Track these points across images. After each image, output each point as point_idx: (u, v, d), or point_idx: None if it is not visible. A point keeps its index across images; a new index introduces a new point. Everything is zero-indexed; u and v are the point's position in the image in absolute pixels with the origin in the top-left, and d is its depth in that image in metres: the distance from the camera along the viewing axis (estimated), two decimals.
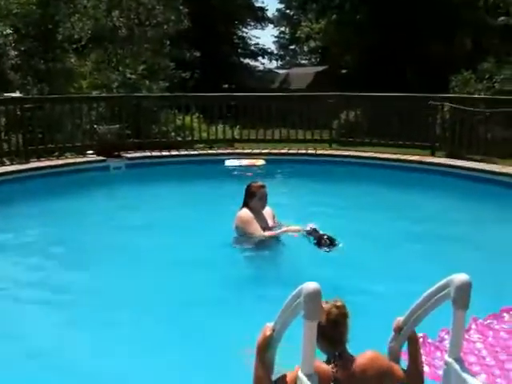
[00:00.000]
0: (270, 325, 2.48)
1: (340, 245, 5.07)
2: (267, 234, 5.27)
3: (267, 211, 5.46)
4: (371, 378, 2.47)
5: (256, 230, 5.23)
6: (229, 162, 9.67)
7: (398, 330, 2.62)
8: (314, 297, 2.20)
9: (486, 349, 3.52)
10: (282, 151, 10.49)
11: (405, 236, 5.91)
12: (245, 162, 9.70)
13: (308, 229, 5.21)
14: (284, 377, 2.46)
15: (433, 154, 9.82)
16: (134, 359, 3.47)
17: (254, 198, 5.32)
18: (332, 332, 2.45)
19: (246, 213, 5.30)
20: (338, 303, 2.48)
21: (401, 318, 2.62)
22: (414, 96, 10.70)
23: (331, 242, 5.05)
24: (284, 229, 5.34)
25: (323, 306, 2.35)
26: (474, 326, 3.78)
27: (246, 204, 5.36)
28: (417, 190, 8.03)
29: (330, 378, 2.41)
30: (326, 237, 5.05)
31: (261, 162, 9.69)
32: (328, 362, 2.49)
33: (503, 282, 4.56)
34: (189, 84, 16.39)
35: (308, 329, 2.23)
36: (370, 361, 2.49)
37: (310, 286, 2.22)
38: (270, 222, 5.41)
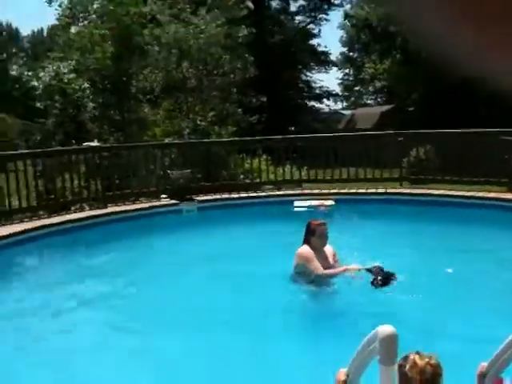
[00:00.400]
0: (343, 370, 2.43)
1: (395, 282, 4.99)
2: (327, 272, 5.27)
3: (328, 249, 5.46)
4: None
5: (316, 267, 5.24)
6: (297, 203, 9.68)
7: (483, 375, 2.50)
8: (390, 341, 2.15)
9: None
10: (351, 191, 10.41)
11: (485, 276, 5.67)
12: (314, 202, 9.67)
13: (369, 267, 5.16)
14: None
15: (510, 190, 9.43)
16: None
17: (314, 236, 5.37)
18: None
19: (306, 250, 5.33)
20: (433, 361, 2.30)
21: (485, 364, 2.50)
22: (487, 131, 10.40)
23: (384, 283, 5.00)
24: (344, 267, 5.32)
25: (417, 360, 2.26)
26: None
27: (306, 241, 5.40)
28: (494, 228, 7.72)
29: None
30: (379, 277, 5.02)
31: (330, 202, 9.62)
32: None
33: None
34: (256, 128, 16.77)
35: (384, 374, 2.18)
36: None
37: (386, 329, 2.17)
38: (331, 261, 5.40)
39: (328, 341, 4.31)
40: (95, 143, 11.07)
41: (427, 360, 2.28)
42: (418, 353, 2.31)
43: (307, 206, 9.49)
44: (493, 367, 2.46)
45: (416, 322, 4.33)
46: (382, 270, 5.08)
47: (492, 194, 9.21)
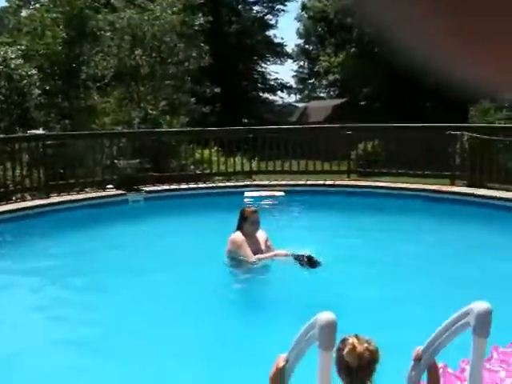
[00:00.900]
0: (282, 356, 2.43)
1: (320, 265, 5.26)
2: (257, 257, 5.47)
3: (261, 235, 5.66)
4: None
5: (247, 253, 5.46)
6: (248, 194, 9.70)
7: (418, 359, 2.56)
8: (329, 327, 2.18)
9: (509, 377, 3.44)
10: (300, 182, 10.49)
11: (423, 264, 5.82)
12: (264, 193, 9.72)
13: (298, 253, 5.40)
14: None
15: (452, 183, 9.73)
16: None
17: (246, 222, 5.57)
18: (359, 374, 2.33)
19: (238, 236, 5.55)
20: (371, 347, 2.33)
21: (420, 348, 2.56)
22: (432, 126, 10.68)
23: (310, 261, 5.28)
24: (273, 253, 5.56)
25: (356, 345, 2.29)
26: (495, 355, 3.68)
27: (239, 228, 5.61)
28: (436, 219, 7.94)
29: None
30: (305, 256, 5.31)
31: (280, 193, 9.70)
32: None
33: None
34: (209, 119, 16.67)
35: (323, 359, 2.21)
36: None
37: (325, 316, 2.20)
38: (263, 246, 5.60)
39: (262, 327, 4.42)
40: (40, 131, 10.76)
41: (366, 346, 2.30)
42: (356, 336, 2.34)
43: (258, 197, 9.52)
44: (428, 351, 2.52)
45: (350, 308, 4.39)
46: (309, 257, 5.33)
47: (434, 187, 9.47)
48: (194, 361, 3.86)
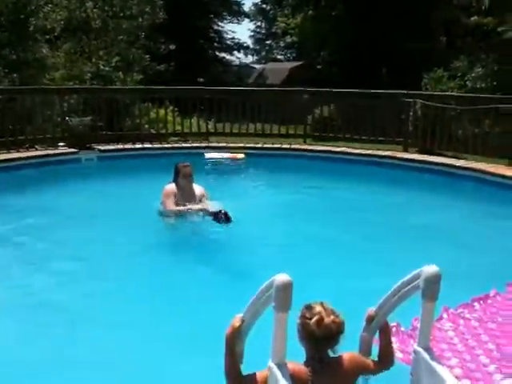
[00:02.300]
0: (239, 316, 2.47)
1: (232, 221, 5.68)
2: (173, 208, 5.94)
3: (197, 190, 6.11)
4: (347, 380, 2.48)
5: (167, 203, 5.98)
6: (209, 155, 9.60)
7: (370, 320, 2.65)
8: (285, 288, 2.20)
9: (457, 336, 3.61)
10: (258, 145, 10.48)
11: (371, 230, 5.96)
12: (226, 155, 9.66)
13: (214, 210, 5.79)
14: (254, 375, 2.46)
15: (405, 150, 9.95)
16: None
17: (179, 176, 6.04)
18: (322, 344, 2.39)
19: (168, 187, 6.06)
20: (338, 320, 2.37)
21: (372, 309, 2.64)
22: (387, 93, 10.81)
23: (225, 216, 5.69)
24: (188, 206, 5.94)
25: (323, 315, 2.33)
26: (445, 316, 3.86)
27: (174, 181, 6.08)
28: (387, 185, 8.13)
29: (306, 381, 2.38)
30: (223, 211, 5.71)
31: (241, 155, 9.68)
32: (306, 364, 2.43)
33: (473, 272, 4.65)
34: (164, 77, 16.29)
35: (278, 320, 2.24)
36: (348, 364, 2.47)
37: (281, 278, 2.22)
38: (196, 200, 6.02)
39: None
40: None
41: (333, 318, 2.34)
42: (322, 305, 2.38)
43: (219, 159, 9.48)
44: (380, 312, 2.60)
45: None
46: (225, 213, 5.71)
47: (387, 153, 9.67)
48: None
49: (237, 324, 2.43)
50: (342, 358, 2.46)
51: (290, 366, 2.34)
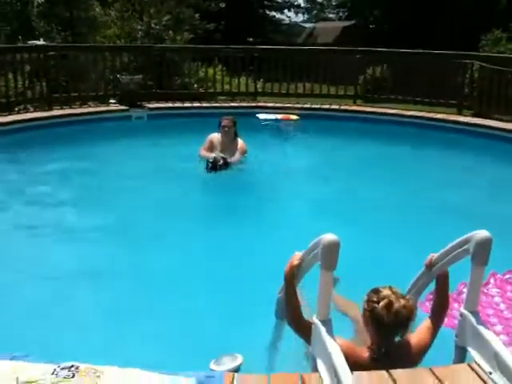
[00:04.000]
0: (298, 254, 2.48)
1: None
2: (201, 153, 6.60)
3: (236, 143, 6.62)
4: (413, 364, 2.38)
5: (201, 149, 6.68)
6: (262, 116, 9.53)
7: (431, 266, 2.59)
8: (331, 248, 2.21)
9: (503, 302, 3.57)
10: (314, 106, 10.24)
11: (423, 195, 5.86)
12: (279, 116, 9.58)
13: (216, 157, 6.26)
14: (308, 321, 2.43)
15: (459, 113, 9.62)
16: None
17: (219, 127, 6.67)
18: (391, 331, 2.28)
19: (210, 135, 6.72)
20: (408, 304, 2.25)
21: (434, 254, 2.58)
22: (442, 53, 10.39)
23: (212, 167, 6.16)
24: (212, 154, 6.43)
25: (392, 300, 2.22)
26: (492, 281, 3.81)
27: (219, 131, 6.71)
28: (440, 148, 7.93)
29: (364, 366, 2.26)
30: (222, 162, 6.20)
31: (295, 116, 9.58)
32: (369, 349, 2.34)
33: None
34: (214, 36, 16.19)
35: (324, 278, 2.26)
36: (414, 348, 2.36)
37: (328, 237, 2.23)
38: (232, 150, 6.52)
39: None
40: (41, 42, 10.46)
41: (403, 302, 2.23)
42: (391, 289, 2.28)
43: (273, 119, 9.42)
44: (442, 260, 2.55)
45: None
46: (218, 160, 6.20)
47: (441, 115, 9.37)
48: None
49: (295, 262, 2.45)
50: (407, 342, 2.35)
51: (346, 344, 2.28)
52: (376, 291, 2.29)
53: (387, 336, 2.28)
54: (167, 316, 3.38)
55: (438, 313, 2.55)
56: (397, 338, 2.32)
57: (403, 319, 2.23)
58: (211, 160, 6.17)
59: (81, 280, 3.82)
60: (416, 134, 8.78)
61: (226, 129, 6.60)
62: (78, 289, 3.70)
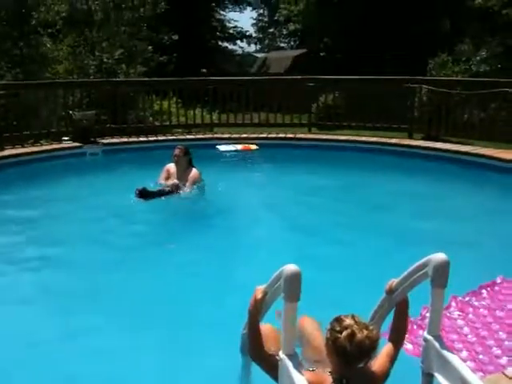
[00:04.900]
0: (261, 287, 2.46)
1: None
2: (159, 182, 6.83)
3: (191, 172, 6.79)
4: None
5: (160, 177, 6.90)
6: (222, 148, 9.62)
7: (391, 291, 2.60)
8: (294, 279, 2.20)
9: (467, 326, 3.59)
10: (270, 136, 10.38)
11: (380, 218, 5.96)
12: (239, 146, 9.69)
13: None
14: (273, 355, 2.42)
15: (410, 137, 9.88)
16: None
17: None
18: (354, 361, 2.23)
19: (167, 165, 6.92)
20: (372, 334, 2.22)
21: (394, 280, 2.59)
22: (391, 79, 10.74)
23: (141, 195, 6.35)
24: (164, 182, 6.79)
25: (355, 331, 2.19)
26: (453, 304, 3.84)
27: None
28: (393, 173, 8.11)
29: None
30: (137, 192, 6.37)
31: (254, 146, 9.72)
32: (332, 378, 2.30)
33: (480, 260, 4.63)
34: (167, 68, 16.20)
35: (288, 310, 2.24)
36: (376, 373, 2.35)
37: (289, 268, 2.22)
38: (181, 177, 6.71)
39: None
40: None
41: (366, 333, 2.20)
42: (353, 318, 2.25)
43: (233, 150, 9.49)
44: (402, 285, 2.56)
45: None
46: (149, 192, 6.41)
47: (393, 140, 9.61)
48: None
49: (259, 296, 2.43)
50: (368, 370, 2.32)
51: (312, 377, 2.26)
52: (338, 320, 2.26)
53: (349, 365, 2.24)
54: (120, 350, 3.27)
55: (398, 337, 2.56)
56: (359, 366, 2.29)
57: (366, 349, 2.21)
58: (140, 188, 6.37)
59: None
60: (370, 158, 8.96)
61: (176, 158, 6.80)
62: None
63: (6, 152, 8.69)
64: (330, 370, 2.32)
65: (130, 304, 3.97)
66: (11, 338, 3.48)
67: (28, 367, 3.15)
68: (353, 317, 2.25)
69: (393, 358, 2.47)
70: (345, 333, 2.19)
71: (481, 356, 3.22)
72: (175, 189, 6.59)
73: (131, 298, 4.08)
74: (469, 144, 9.05)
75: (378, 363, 2.40)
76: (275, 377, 2.36)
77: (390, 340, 2.55)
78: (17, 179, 7.52)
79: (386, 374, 2.40)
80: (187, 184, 6.71)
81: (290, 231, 5.82)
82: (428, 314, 2.51)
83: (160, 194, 6.49)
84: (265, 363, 2.43)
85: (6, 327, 3.60)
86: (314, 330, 2.96)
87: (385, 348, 2.52)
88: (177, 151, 6.81)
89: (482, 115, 9.48)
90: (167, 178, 6.82)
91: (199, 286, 4.24)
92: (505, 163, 7.95)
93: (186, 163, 6.83)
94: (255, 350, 2.45)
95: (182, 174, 6.77)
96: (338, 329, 2.22)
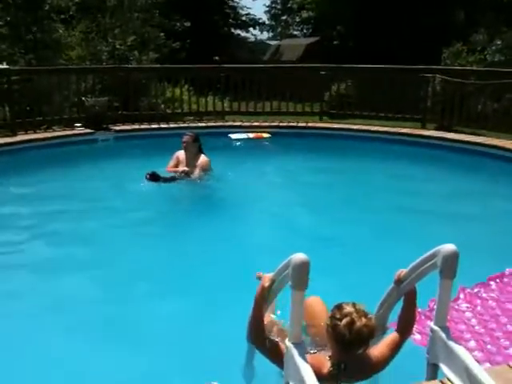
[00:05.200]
0: (269, 275, 2.48)
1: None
2: (167, 169, 6.87)
3: (200, 158, 6.81)
4: (375, 373, 2.44)
5: (169, 165, 6.92)
6: (234, 136, 9.62)
7: (400, 281, 2.62)
8: (302, 268, 2.22)
9: (475, 317, 3.58)
10: (281, 124, 10.33)
11: (392, 208, 5.95)
12: (251, 135, 9.68)
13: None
14: (277, 342, 2.48)
15: (423, 127, 9.81)
16: None
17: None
18: (352, 348, 2.31)
19: (177, 152, 6.94)
20: (370, 323, 2.28)
21: (403, 270, 2.61)
22: (404, 68, 10.62)
23: (151, 178, 6.52)
24: (173, 169, 6.89)
25: (354, 318, 2.25)
26: (462, 296, 3.83)
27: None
28: (406, 163, 8.07)
29: (327, 377, 2.33)
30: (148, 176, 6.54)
31: (267, 135, 9.69)
32: (331, 361, 2.37)
33: (490, 251, 4.62)
34: (179, 55, 16.18)
35: (295, 298, 2.26)
36: (376, 359, 2.41)
37: (298, 257, 2.23)
38: (190, 163, 6.78)
39: None
40: (4, 66, 10.30)
41: (365, 321, 2.26)
42: (354, 306, 2.30)
43: (245, 139, 9.48)
44: (410, 275, 2.57)
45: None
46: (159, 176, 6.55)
47: (405, 130, 9.55)
48: None
49: (266, 284, 2.45)
50: (367, 355, 2.38)
51: (314, 360, 2.30)
52: (339, 307, 2.32)
53: (348, 352, 2.31)
54: (138, 343, 3.32)
55: (405, 327, 2.60)
56: (358, 352, 2.35)
57: (364, 338, 2.27)
58: (150, 172, 6.51)
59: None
60: (382, 148, 8.92)
61: (185, 145, 6.85)
62: None
63: (19, 137, 8.75)
64: (329, 354, 2.39)
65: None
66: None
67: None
68: (353, 304, 2.32)
69: (395, 347, 2.51)
70: (344, 321, 2.26)
71: (489, 346, 3.23)
72: (184, 175, 6.70)
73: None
74: (481, 135, 8.97)
75: (377, 351, 2.46)
76: (280, 364, 2.39)
77: (398, 329, 2.57)
78: (29, 164, 7.57)
79: (384, 362, 2.45)
80: (196, 170, 6.76)
81: (300, 218, 5.81)
82: (435, 306, 2.51)
83: (170, 179, 6.60)
84: (268, 350, 2.46)
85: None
86: (322, 311, 3.00)
87: (390, 335, 2.56)
88: (186, 138, 6.87)
89: (495, 106, 9.37)
90: (176, 165, 6.90)
91: (206, 272, 4.28)
92: None
93: (195, 150, 6.87)
94: (258, 336, 2.49)
95: (192, 161, 6.83)
96: (338, 316, 2.29)
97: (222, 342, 3.20)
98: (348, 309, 2.29)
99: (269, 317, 2.71)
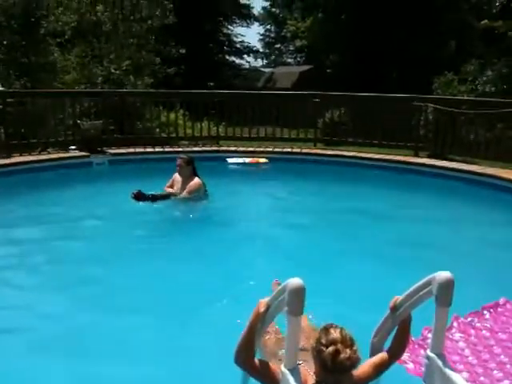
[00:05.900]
0: (264, 301, 2.46)
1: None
2: (166, 190, 7.07)
3: (191, 180, 6.91)
4: None
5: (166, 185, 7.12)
6: (231, 160, 9.67)
7: (395, 309, 2.61)
8: (297, 293, 2.21)
9: (468, 348, 3.54)
10: (276, 150, 10.41)
11: (385, 235, 5.95)
12: (248, 160, 9.75)
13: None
14: (267, 362, 2.47)
15: (416, 155, 9.90)
16: None
17: None
18: (333, 374, 2.29)
19: (175, 173, 7.09)
20: (354, 356, 2.25)
21: (399, 297, 2.60)
22: (397, 97, 10.77)
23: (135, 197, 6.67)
24: (169, 191, 7.06)
25: (339, 348, 2.23)
26: (455, 325, 3.80)
27: None
28: (399, 190, 8.10)
29: None
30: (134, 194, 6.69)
31: (263, 160, 9.75)
32: (314, 379, 2.38)
33: (483, 280, 4.62)
34: (175, 81, 16.32)
35: (291, 324, 2.24)
36: (360, 380, 2.41)
37: (294, 282, 2.22)
38: (182, 186, 6.92)
39: None
40: (0, 88, 10.35)
41: (350, 353, 2.23)
42: (341, 333, 2.28)
43: (242, 163, 9.53)
44: (406, 303, 2.56)
45: None
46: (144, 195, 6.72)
47: (398, 157, 9.63)
48: None
49: (262, 309, 2.44)
50: (351, 376, 2.35)
51: (307, 377, 2.34)
52: (326, 332, 2.30)
53: (329, 375, 2.30)
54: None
55: (396, 350, 2.61)
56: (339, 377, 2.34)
57: (346, 369, 2.27)
58: (135, 191, 6.68)
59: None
60: (376, 175, 8.98)
61: (178, 168, 7.00)
62: None
63: (14, 159, 8.74)
64: (314, 371, 2.39)
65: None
66: None
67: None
68: (341, 331, 2.29)
69: (382, 368, 2.53)
70: (330, 349, 2.24)
71: (482, 378, 3.19)
72: (169, 195, 6.87)
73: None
74: (474, 163, 9.06)
75: (361, 370, 2.46)
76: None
77: (388, 351, 2.58)
78: (23, 187, 7.56)
79: (366, 380, 2.45)
80: (184, 192, 6.89)
81: (291, 244, 5.82)
82: (430, 334, 2.51)
83: (154, 198, 6.75)
84: (259, 371, 2.45)
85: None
86: (306, 326, 3.00)
87: (377, 356, 2.56)
88: (179, 161, 7.01)
89: (487, 135, 9.48)
90: (171, 186, 7.08)
91: (187, 291, 4.31)
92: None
93: (188, 172, 6.99)
94: (248, 358, 2.46)
95: (185, 183, 6.96)
96: (323, 342, 2.27)
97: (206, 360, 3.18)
98: (335, 335, 2.27)
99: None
